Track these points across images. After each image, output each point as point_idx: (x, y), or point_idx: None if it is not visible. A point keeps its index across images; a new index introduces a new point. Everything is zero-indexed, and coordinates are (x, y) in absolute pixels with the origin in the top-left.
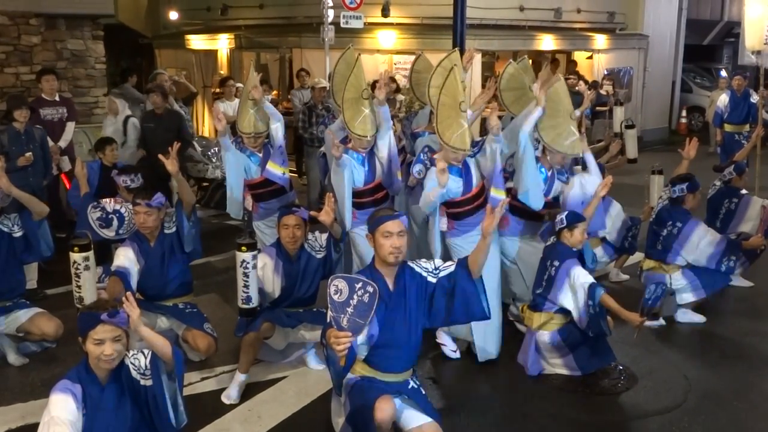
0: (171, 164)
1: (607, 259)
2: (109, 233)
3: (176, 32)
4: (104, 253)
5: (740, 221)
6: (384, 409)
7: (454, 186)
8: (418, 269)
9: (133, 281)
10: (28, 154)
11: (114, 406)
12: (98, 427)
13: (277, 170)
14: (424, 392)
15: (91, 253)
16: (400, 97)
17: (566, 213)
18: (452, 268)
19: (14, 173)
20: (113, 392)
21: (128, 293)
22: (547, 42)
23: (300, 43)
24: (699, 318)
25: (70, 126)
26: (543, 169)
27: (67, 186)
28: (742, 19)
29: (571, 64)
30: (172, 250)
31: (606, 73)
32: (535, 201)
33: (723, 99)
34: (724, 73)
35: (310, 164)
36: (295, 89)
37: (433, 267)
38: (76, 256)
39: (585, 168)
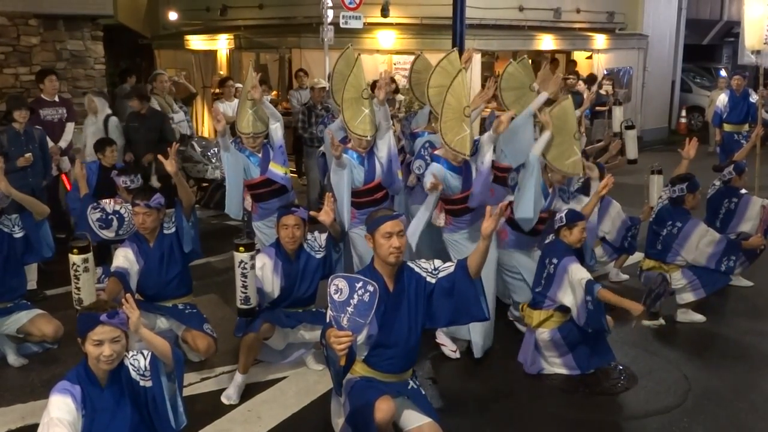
0: (170, 164)
1: (606, 258)
2: (108, 234)
3: (176, 32)
4: (104, 253)
5: (740, 221)
6: (384, 409)
7: (454, 183)
8: (417, 269)
9: (133, 282)
10: (28, 154)
11: (113, 407)
12: (98, 428)
13: (279, 170)
14: (423, 393)
15: (90, 255)
16: (400, 97)
17: (566, 211)
18: (452, 269)
19: (14, 174)
20: (113, 393)
21: (127, 295)
22: (546, 42)
23: (299, 43)
24: (699, 318)
25: (70, 126)
26: (543, 185)
27: (68, 186)
28: (742, 18)
29: (571, 64)
30: (171, 250)
31: (606, 72)
32: (527, 224)
33: (722, 99)
34: (723, 72)
35: (309, 164)
36: (293, 90)
37: (433, 267)
38: (75, 258)
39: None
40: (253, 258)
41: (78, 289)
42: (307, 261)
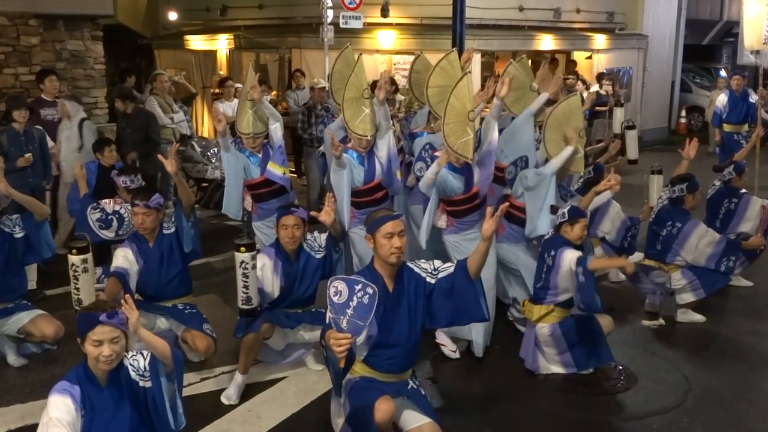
0: (170, 164)
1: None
2: (108, 234)
3: (175, 33)
4: (104, 253)
5: (740, 221)
6: (383, 409)
7: (455, 184)
8: (417, 270)
9: (132, 282)
10: (28, 155)
11: (113, 407)
12: (97, 428)
13: (277, 170)
14: (423, 393)
15: (89, 256)
16: (400, 97)
17: (568, 207)
18: (451, 270)
19: (14, 174)
20: (112, 394)
21: (127, 295)
22: (546, 42)
23: (299, 43)
24: (699, 318)
25: None
26: None
27: None
28: (741, 18)
29: (571, 64)
30: (171, 250)
31: (606, 73)
32: (543, 229)
33: (722, 99)
34: (723, 72)
35: (309, 164)
36: (290, 90)
37: (433, 268)
38: (74, 259)
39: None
40: (254, 258)
41: (77, 289)
42: (306, 261)
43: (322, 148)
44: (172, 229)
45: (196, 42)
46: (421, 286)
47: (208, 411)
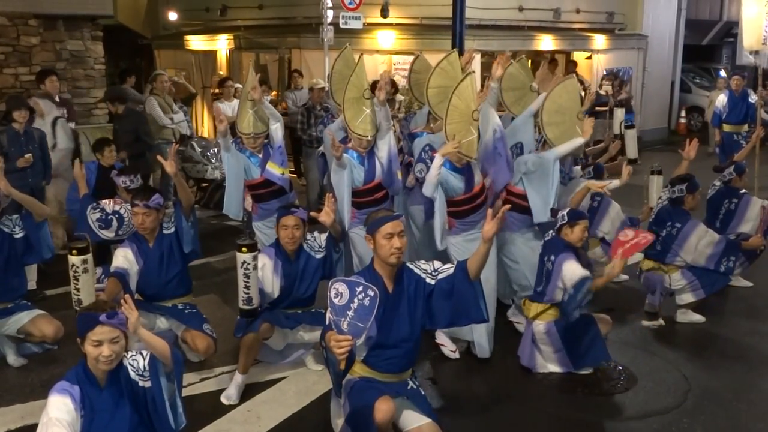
0: (170, 165)
1: (606, 259)
2: (108, 234)
3: (175, 33)
4: (104, 253)
5: (740, 222)
6: (383, 410)
7: (457, 184)
8: (417, 271)
9: (132, 282)
10: (28, 155)
11: (113, 407)
12: (96, 428)
13: (276, 170)
14: (423, 393)
15: (89, 256)
16: (400, 97)
17: (568, 210)
18: (451, 271)
19: (13, 174)
20: (112, 394)
21: (126, 295)
22: (546, 42)
23: (299, 43)
24: (698, 318)
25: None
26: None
27: None
28: (740, 19)
29: (571, 64)
30: (171, 250)
31: (614, 72)
32: (543, 215)
33: (722, 99)
34: (723, 73)
35: (308, 165)
36: (288, 91)
37: (432, 269)
38: (74, 259)
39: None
40: (255, 258)
41: (77, 290)
42: (306, 261)
43: (321, 149)
44: (172, 230)
45: (196, 42)
46: (421, 287)
47: (208, 411)
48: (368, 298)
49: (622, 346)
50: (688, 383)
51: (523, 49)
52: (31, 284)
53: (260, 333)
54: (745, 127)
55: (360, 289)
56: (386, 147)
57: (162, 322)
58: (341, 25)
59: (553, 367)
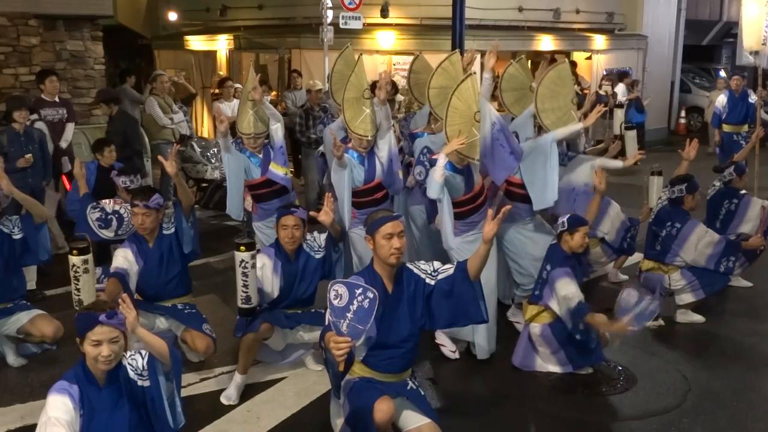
0: (170, 166)
1: (606, 259)
2: (108, 234)
3: (175, 33)
4: (104, 253)
5: (740, 222)
6: (383, 410)
7: (458, 184)
8: (416, 271)
9: (132, 282)
10: (28, 155)
11: (112, 406)
12: (96, 427)
13: (279, 171)
14: (422, 393)
15: (90, 256)
16: (400, 97)
17: (568, 216)
18: (451, 271)
19: (13, 174)
20: (111, 393)
21: (124, 295)
22: (546, 42)
23: (299, 43)
24: (698, 318)
25: (70, 127)
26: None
27: (68, 187)
28: (740, 19)
29: (570, 64)
30: (170, 251)
31: (605, 73)
32: (542, 202)
33: (721, 99)
34: (722, 73)
35: (307, 165)
36: (287, 91)
37: (432, 269)
38: (75, 260)
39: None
40: (253, 257)
41: (78, 290)
42: (306, 261)
43: (321, 149)
44: (172, 230)
45: (195, 42)
46: (421, 288)
47: (207, 411)
48: (367, 300)
49: (622, 346)
50: (688, 383)
51: (523, 50)
52: (31, 284)
53: (260, 333)
54: (745, 128)
55: (359, 291)
56: (386, 147)
57: (162, 322)
58: (341, 26)
59: (553, 367)
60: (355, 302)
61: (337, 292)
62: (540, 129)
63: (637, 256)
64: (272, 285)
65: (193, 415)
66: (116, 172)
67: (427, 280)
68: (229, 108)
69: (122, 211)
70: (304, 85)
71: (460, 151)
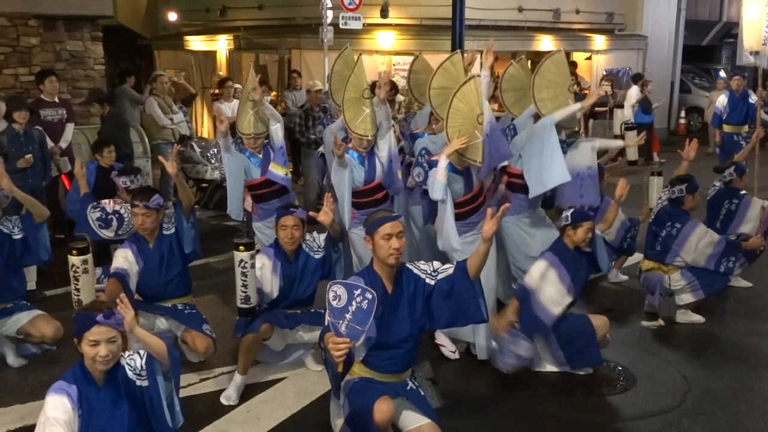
0: (170, 166)
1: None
2: (108, 234)
3: (175, 33)
4: (104, 253)
5: (740, 222)
6: (383, 410)
7: (457, 186)
8: (416, 271)
9: (132, 282)
10: (28, 156)
11: (110, 406)
12: (94, 427)
13: (279, 171)
14: (422, 393)
15: (89, 257)
16: (400, 98)
17: (572, 210)
18: (451, 271)
19: (13, 174)
20: (109, 393)
21: (122, 295)
22: (545, 43)
23: (299, 44)
24: (698, 318)
25: (70, 127)
26: None
27: (68, 187)
28: (740, 19)
29: (570, 65)
30: (171, 251)
31: (605, 73)
32: (538, 187)
33: (722, 100)
34: (723, 73)
35: (307, 165)
36: (286, 91)
37: (432, 269)
38: (74, 260)
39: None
40: (253, 257)
41: (78, 290)
42: (306, 261)
43: (321, 149)
44: (172, 230)
45: (195, 43)
46: (421, 288)
47: (207, 411)
48: (366, 301)
49: (621, 347)
50: (688, 384)
51: (523, 50)
52: (31, 285)
53: (260, 333)
54: (746, 128)
55: (358, 291)
56: (386, 147)
57: (162, 323)
58: (341, 26)
59: (551, 367)
60: (353, 303)
61: (336, 293)
62: (538, 118)
63: (637, 256)
64: (272, 285)
65: (193, 415)
66: (116, 172)
67: (427, 280)
68: (229, 108)
69: (122, 211)
70: (303, 86)
71: (462, 153)
